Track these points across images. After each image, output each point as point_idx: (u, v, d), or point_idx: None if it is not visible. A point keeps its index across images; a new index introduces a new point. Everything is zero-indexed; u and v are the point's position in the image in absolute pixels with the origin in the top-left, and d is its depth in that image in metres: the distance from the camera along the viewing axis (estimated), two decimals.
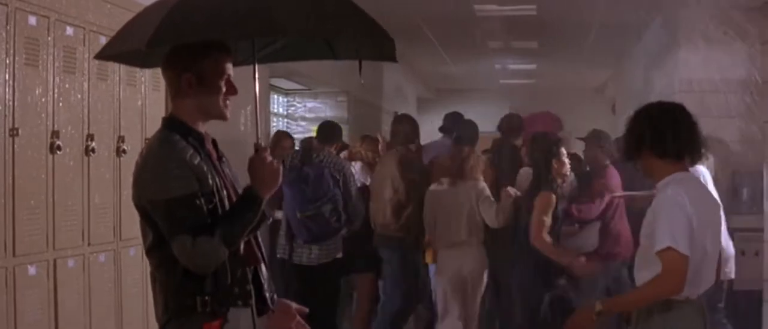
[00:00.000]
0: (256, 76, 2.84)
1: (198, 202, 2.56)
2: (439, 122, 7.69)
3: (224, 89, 2.73)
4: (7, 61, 3.91)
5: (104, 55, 2.97)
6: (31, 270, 4.08)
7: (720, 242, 3.37)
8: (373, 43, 3.03)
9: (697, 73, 7.65)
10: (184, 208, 2.54)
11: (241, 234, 2.64)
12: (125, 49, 2.83)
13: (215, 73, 2.71)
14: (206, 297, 2.59)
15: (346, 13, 2.81)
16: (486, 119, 8.27)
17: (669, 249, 3.08)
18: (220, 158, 2.82)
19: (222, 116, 2.76)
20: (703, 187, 3.42)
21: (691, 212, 3.13)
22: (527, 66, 13.88)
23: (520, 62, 13.47)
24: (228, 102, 2.77)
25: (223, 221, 2.60)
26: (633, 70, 11.33)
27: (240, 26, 2.64)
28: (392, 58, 3.01)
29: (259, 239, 2.85)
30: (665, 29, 8.71)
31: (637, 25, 9.61)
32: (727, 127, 7.47)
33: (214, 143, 2.83)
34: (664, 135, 3.25)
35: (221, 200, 2.66)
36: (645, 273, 3.21)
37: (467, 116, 7.46)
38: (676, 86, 7.80)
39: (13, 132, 3.94)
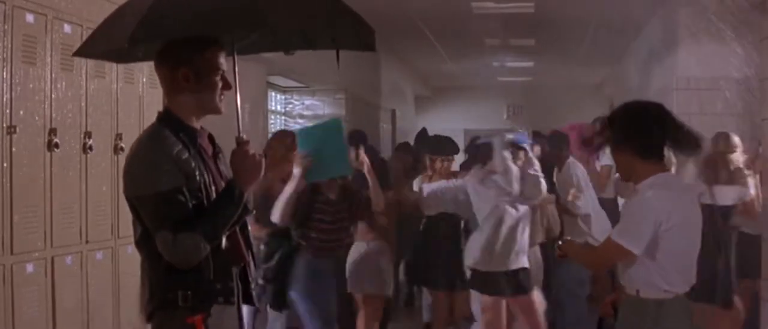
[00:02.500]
0: (236, 69, 2.80)
1: (182, 197, 2.56)
2: (438, 120, 7.71)
3: (220, 84, 2.72)
4: (5, 59, 3.91)
5: (84, 52, 2.96)
6: (29, 267, 4.09)
7: (699, 242, 3.33)
8: (352, 33, 3.02)
9: (694, 70, 7.66)
10: (167, 203, 2.53)
11: (222, 229, 2.62)
12: (107, 47, 2.82)
13: (210, 68, 2.70)
14: (188, 292, 2.59)
15: (327, 4, 2.84)
16: (484, 117, 8.29)
17: (619, 245, 3.17)
18: (216, 153, 2.81)
19: (217, 111, 2.75)
20: (686, 189, 3.41)
21: (663, 218, 3.13)
22: (525, 64, 13.88)
23: (517, 60, 13.46)
24: (222, 97, 2.75)
25: (204, 217, 2.59)
26: (631, 68, 11.34)
27: (223, 20, 2.63)
28: (370, 48, 3.01)
29: (249, 237, 2.84)
30: (663, 27, 8.71)
31: (635, 23, 9.62)
32: (725, 124, 7.46)
33: (211, 138, 2.82)
34: (648, 135, 3.22)
35: (209, 196, 2.65)
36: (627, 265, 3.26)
37: (465, 113, 7.52)
38: (674, 83, 7.80)
39: (11, 130, 3.94)
